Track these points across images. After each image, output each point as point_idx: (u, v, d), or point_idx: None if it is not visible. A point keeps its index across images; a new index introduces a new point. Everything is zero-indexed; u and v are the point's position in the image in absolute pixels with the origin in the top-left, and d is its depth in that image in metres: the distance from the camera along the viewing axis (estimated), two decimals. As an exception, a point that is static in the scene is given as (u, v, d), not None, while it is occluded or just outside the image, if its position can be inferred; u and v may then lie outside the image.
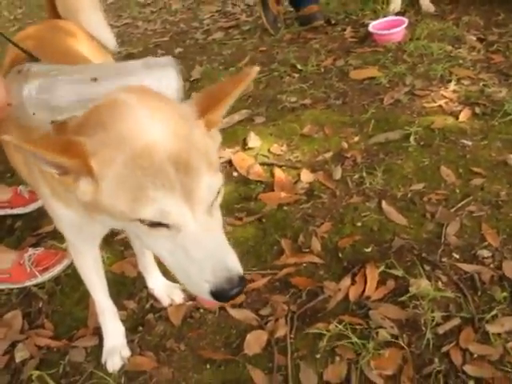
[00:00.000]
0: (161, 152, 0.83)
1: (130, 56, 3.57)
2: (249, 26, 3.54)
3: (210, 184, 0.88)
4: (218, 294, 0.86)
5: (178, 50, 3.59)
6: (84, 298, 1.76)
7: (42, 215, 2.17)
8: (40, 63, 1.02)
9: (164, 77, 1.05)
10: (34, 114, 0.99)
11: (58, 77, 1.01)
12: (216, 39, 3.60)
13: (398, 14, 3.23)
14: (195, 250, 0.86)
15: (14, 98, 0.99)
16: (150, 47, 3.77)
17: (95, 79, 1.00)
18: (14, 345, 1.67)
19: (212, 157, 0.91)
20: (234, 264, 0.88)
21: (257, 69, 0.98)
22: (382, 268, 1.65)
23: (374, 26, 3.03)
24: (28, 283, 1.84)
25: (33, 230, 2.13)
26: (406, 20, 2.98)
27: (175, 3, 4.21)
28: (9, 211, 2.18)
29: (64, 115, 0.99)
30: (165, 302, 1.68)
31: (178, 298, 1.67)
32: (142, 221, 0.84)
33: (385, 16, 3.16)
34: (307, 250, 1.78)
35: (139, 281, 1.77)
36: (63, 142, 0.84)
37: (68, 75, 1.03)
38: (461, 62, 2.65)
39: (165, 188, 0.82)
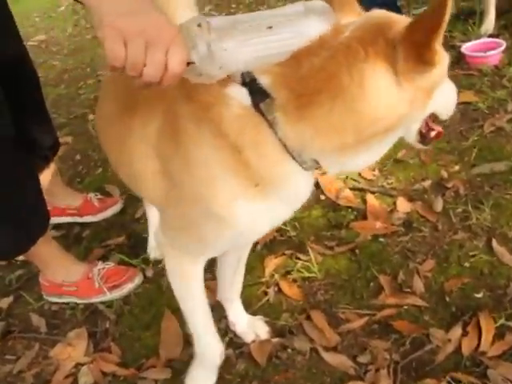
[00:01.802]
0: None
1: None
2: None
3: None
4: None
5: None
6: (154, 322, 1.61)
7: (111, 226, 2.05)
8: (214, 17, 0.91)
9: (324, 22, 0.95)
10: (220, 68, 0.88)
11: (238, 27, 0.91)
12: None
13: (490, 36, 2.99)
14: None
15: (199, 54, 0.87)
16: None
17: (270, 27, 0.92)
18: (77, 367, 1.52)
19: None
20: None
21: None
22: (502, 321, 1.41)
23: (467, 47, 2.81)
24: (95, 299, 1.69)
25: (101, 240, 2.00)
26: (503, 42, 2.75)
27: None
28: (78, 219, 2.06)
29: (246, 68, 0.92)
30: (248, 337, 1.48)
31: (263, 332, 1.48)
32: None
33: (477, 38, 2.93)
34: (409, 290, 1.56)
35: (217, 310, 1.58)
36: None
37: (246, 24, 0.93)
38: None
39: None
